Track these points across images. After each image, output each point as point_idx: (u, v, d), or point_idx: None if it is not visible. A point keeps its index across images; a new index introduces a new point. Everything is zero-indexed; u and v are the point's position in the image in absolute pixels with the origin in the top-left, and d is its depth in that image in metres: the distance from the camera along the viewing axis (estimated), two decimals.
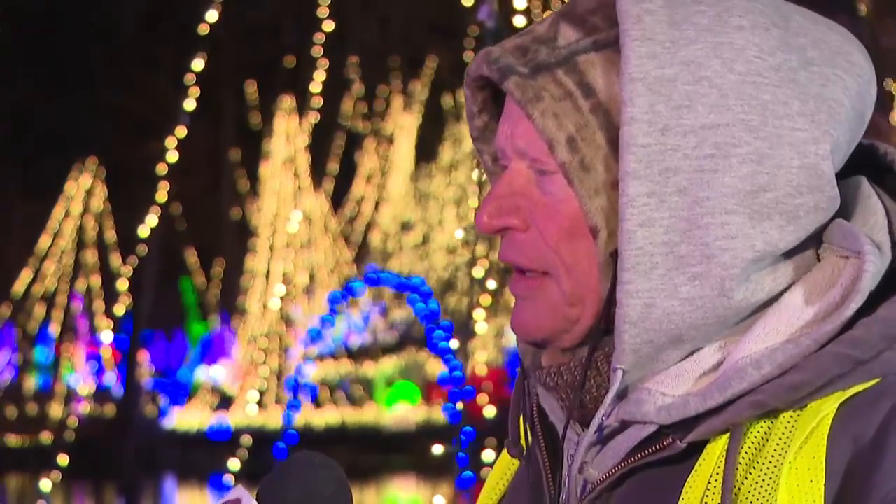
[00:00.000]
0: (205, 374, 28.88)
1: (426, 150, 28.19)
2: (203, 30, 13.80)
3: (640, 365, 1.36)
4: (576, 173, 1.37)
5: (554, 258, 1.39)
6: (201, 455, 23.21)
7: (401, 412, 26.65)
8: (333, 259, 26.73)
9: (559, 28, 1.40)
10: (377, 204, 28.50)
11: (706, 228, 1.33)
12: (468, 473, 7.42)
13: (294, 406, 12.23)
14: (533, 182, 1.41)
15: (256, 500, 1.40)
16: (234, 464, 13.33)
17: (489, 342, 22.14)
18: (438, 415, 22.78)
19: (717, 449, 1.34)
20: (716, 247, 1.33)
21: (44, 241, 26.97)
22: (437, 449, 8.59)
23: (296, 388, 14.71)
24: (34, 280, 26.94)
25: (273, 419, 23.29)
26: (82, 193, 27.06)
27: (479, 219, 1.42)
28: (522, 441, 1.49)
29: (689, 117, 1.34)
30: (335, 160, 27.75)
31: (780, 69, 1.35)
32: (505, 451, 1.53)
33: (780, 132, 1.34)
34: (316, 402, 25.82)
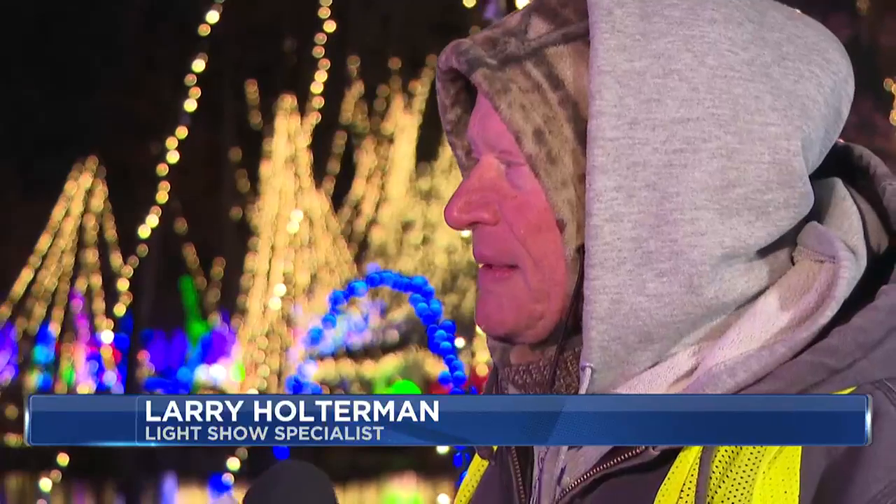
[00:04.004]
0: (205, 374, 28.86)
1: (426, 149, 28.18)
2: (203, 30, 13.80)
3: (610, 365, 1.35)
4: (542, 166, 1.36)
5: (522, 251, 1.39)
6: (201, 455, 23.19)
7: None
8: (334, 259, 26.72)
9: (530, 20, 1.40)
10: (378, 203, 28.49)
11: (675, 224, 1.32)
12: None
13: None
14: (502, 175, 1.40)
15: None
16: (233, 464, 13.32)
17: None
18: None
19: (690, 457, 1.32)
20: (684, 243, 1.32)
21: (44, 241, 26.94)
22: (442, 448, 8.61)
23: (296, 387, 14.70)
24: (34, 280, 26.92)
25: None
26: (82, 193, 27.04)
27: (448, 214, 1.41)
28: None
29: (659, 111, 1.33)
30: (336, 160, 27.74)
31: (753, 63, 1.34)
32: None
33: (752, 127, 1.33)
34: None
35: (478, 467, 1.55)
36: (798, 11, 1.41)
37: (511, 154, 1.39)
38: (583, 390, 1.35)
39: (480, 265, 1.43)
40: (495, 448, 1.49)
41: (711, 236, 1.33)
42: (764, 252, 1.38)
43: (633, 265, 1.33)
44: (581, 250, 1.36)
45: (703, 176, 1.33)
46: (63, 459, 12.65)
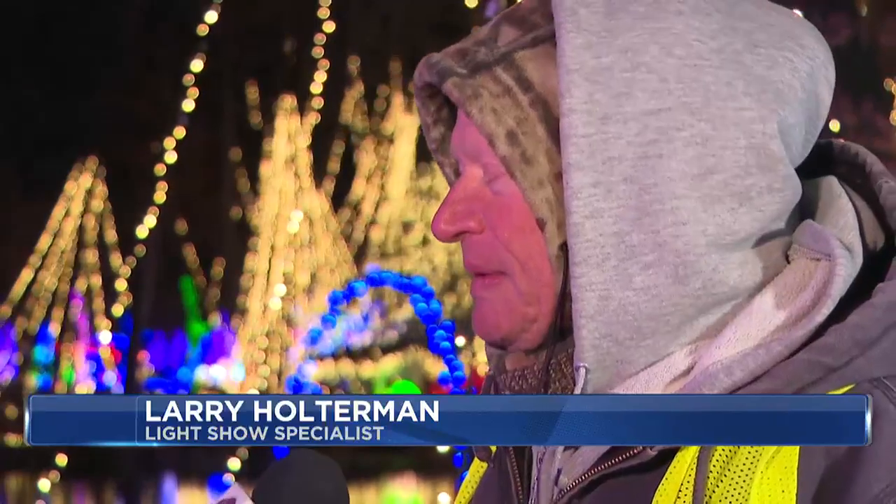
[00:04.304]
0: (205, 374, 28.87)
1: (426, 149, 28.16)
2: (202, 30, 13.81)
3: (604, 364, 1.35)
4: (517, 166, 1.37)
5: (508, 256, 1.39)
6: (201, 455, 23.20)
7: None
8: (334, 259, 26.73)
9: (500, 29, 1.41)
10: (378, 203, 28.51)
11: (656, 215, 1.32)
12: None
13: None
14: (485, 184, 1.41)
15: (252, 498, 1.40)
16: (234, 463, 13.33)
17: None
18: None
19: (687, 457, 1.32)
20: (667, 234, 1.33)
21: (44, 241, 26.96)
22: (442, 448, 8.61)
23: (296, 387, 14.70)
24: (34, 280, 26.93)
25: None
26: (82, 193, 27.05)
27: (435, 226, 1.42)
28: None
29: (629, 104, 1.33)
30: (335, 160, 27.76)
31: (723, 52, 1.34)
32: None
33: (725, 113, 1.33)
34: None
35: (477, 468, 1.55)
36: (770, 3, 1.41)
37: (490, 162, 1.40)
38: (577, 390, 1.35)
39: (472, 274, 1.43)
40: (494, 449, 1.49)
41: (694, 225, 1.33)
42: (757, 247, 1.37)
43: (617, 260, 1.33)
44: (564, 248, 1.37)
45: (679, 165, 1.33)
46: (62, 460, 12.66)
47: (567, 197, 1.34)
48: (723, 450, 1.31)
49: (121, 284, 16.90)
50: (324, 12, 16.18)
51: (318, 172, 26.69)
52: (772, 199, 1.35)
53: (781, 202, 1.36)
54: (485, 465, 1.54)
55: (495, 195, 1.40)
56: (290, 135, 25.83)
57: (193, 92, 13.68)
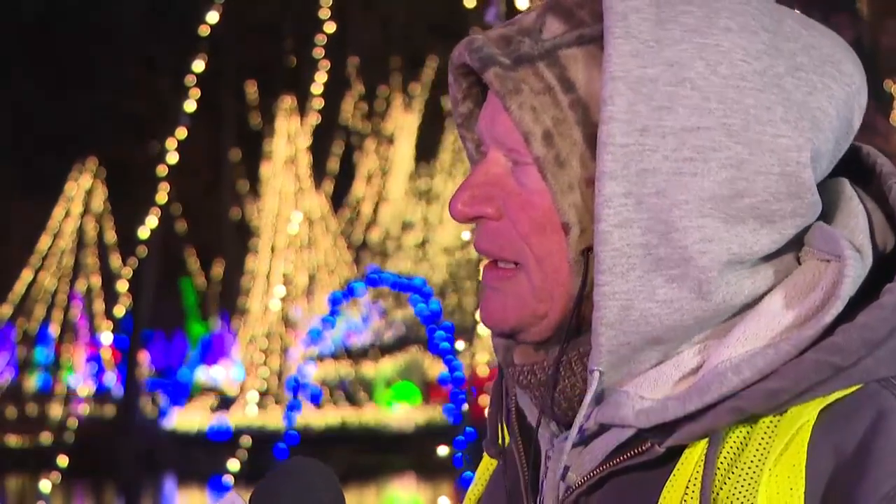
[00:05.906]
0: (205, 375, 28.87)
1: (426, 149, 28.19)
2: (203, 31, 13.81)
3: (616, 367, 1.35)
4: (550, 168, 1.36)
5: (525, 249, 1.38)
6: (201, 455, 23.20)
7: (401, 413, 26.65)
8: (334, 259, 26.73)
9: (545, 20, 1.39)
10: (377, 204, 28.51)
11: (684, 231, 1.32)
12: (469, 474, 7.42)
13: (294, 406, 12.22)
14: (509, 172, 1.40)
15: None
16: (233, 464, 13.34)
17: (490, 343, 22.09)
18: (439, 415, 22.79)
19: (695, 454, 1.32)
20: (694, 250, 1.32)
21: (44, 241, 26.97)
22: (443, 451, 8.58)
23: (296, 388, 14.68)
24: (34, 280, 26.93)
25: (273, 419, 23.31)
26: (82, 193, 27.06)
27: (453, 206, 1.41)
28: (504, 439, 1.48)
29: (670, 119, 1.32)
30: (335, 160, 27.77)
31: (766, 74, 1.33)
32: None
33: (762, 138, 1.32)
34: (317, 402, 25.81)
35: (487, 465, 1.56)
36: (814, 21, 1.40)
37: (518, 153, 1.39)
38: (590, 393, 1.35)
39: (484, 262, 1.43)
40: (503, 446, 1.49)
41: (718, 243, 1.33)
42: (769, 254, 1.38)
43: (642, 271, 1.33)
44: (585, 253, 1.36)
45: (711, 185, 1.32)
46: (63, 460, 12.66)
47: (597, 204, 1.33)
48: (731, 447, 1.32)
49: (121, 285, 16.90)
50: (324, 13, 16.18)
51: (318, 173, 26.70)
52: (793, 223, 1.35)
53: (802, 225, 1.36)
54: (494, 462, 1.54)
55: (519, 186, 1.39)
56: (289, 135, 25.84)
57: (195, 92, 13.69)
